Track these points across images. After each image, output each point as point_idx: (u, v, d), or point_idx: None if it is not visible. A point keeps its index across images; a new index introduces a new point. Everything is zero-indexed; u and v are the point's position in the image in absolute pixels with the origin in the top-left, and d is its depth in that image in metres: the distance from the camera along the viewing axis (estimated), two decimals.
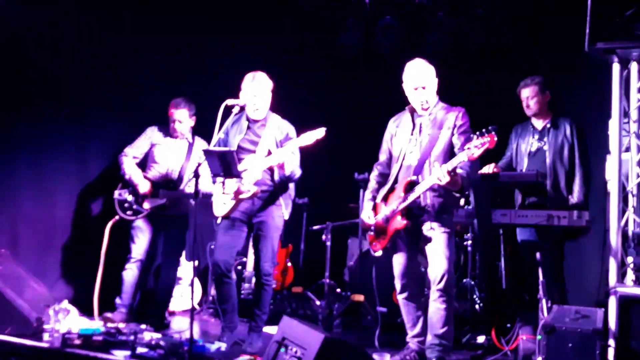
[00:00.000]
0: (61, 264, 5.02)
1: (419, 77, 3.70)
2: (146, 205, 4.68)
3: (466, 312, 4.76)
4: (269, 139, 4.11)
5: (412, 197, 3.60)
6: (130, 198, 4.71)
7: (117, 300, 4.65)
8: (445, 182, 3.42)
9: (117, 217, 4.74)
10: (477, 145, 3.32)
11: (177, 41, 5.64)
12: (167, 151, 4.79)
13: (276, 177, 4.07)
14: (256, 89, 4.08)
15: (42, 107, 4.92)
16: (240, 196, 3.98)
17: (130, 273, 4.67)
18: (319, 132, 3.86)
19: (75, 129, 5.17)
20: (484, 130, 3.33)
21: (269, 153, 4.05)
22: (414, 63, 3.77)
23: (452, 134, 3.68)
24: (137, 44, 5.37)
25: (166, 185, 4.72)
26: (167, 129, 4.83)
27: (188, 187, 4.71)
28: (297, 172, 4.11)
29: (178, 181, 4.76)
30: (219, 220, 4.20)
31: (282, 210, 4.16)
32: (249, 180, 3.95)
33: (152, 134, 4.83)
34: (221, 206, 4.10)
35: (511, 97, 4.72)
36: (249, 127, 4.17)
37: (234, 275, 4.16)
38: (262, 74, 4.15)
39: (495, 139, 3.25)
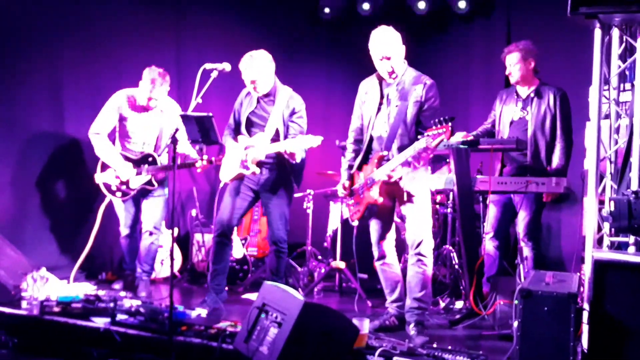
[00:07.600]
0: (39, 231, 4.94)
1: (383, 47, 3.58)
2: (133, 185, 4.57)
3: (445, 277, 4.81)
4: (276, 115, 4.08)
5: (381, 174, 3.56)
6: (115, 182, 4.58)
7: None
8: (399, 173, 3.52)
9: (107, 199, 4.65)
10: (434, 135, 3.27)
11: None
12: (139, 124, 4.61)
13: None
14: (253, 75, 4.03)
15: (15, 66, 4.77)
16: (242, 171, 4.06)
17: (125, 242, 4.76)
18: (317, 140, 3.85)
19: (50, 88, 5.04)
20: (441, 119, 3.25)
21: (277, 131, 4.07)
22: (378, 32, 3.62)
23: (419, 108, 3.60)
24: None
25: (146, 160, 4.59)
26: (135, 98, 4.58)
27: (165, 155, 4.64)
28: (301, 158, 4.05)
29: (156, 152, 4.64)
30: (221, 184, 4.30)
31: (289, 176, 4.15)
32: (252, 159, 4.01)
33: (119, 104, 4.57)
34: (226, 172, 4.20)
35: (494, 61, 4.69)
36: (258, 101, 4.16)
37: (232, 238, 4.26)
38: (259, 55, 4.03)
39: (450, 130, 3.20)
